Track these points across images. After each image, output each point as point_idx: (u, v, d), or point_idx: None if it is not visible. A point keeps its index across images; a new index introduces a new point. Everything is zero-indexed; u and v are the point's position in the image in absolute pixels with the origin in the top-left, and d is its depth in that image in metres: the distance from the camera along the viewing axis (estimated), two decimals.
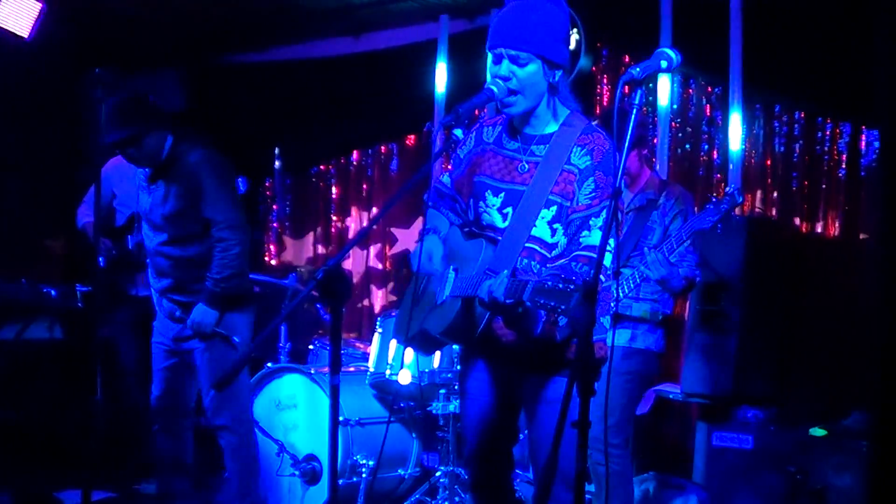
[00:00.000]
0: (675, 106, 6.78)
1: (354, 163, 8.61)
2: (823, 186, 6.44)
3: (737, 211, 5.26)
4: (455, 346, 5.32)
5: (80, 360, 6.79)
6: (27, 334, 6.83)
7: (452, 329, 3.63)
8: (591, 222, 3.54)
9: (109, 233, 6.53)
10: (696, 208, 5.17)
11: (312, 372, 5.96)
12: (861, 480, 5.18)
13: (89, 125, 5.55)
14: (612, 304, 4.17)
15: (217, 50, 8.57)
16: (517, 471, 5.64)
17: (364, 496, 5.76)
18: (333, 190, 8.71)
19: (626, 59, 7.06)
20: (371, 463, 5.82)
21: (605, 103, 7.08)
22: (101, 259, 6.45)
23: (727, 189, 4.87)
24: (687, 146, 6.85)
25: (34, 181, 7.89)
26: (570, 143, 3.59)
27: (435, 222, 3.91)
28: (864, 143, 6.26)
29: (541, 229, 3.58)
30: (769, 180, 6.61)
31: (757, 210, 6.54)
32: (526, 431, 3.89)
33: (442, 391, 5.83)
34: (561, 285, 3.14)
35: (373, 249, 8.47)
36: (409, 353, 5.76)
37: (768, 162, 6.61)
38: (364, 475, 5.79)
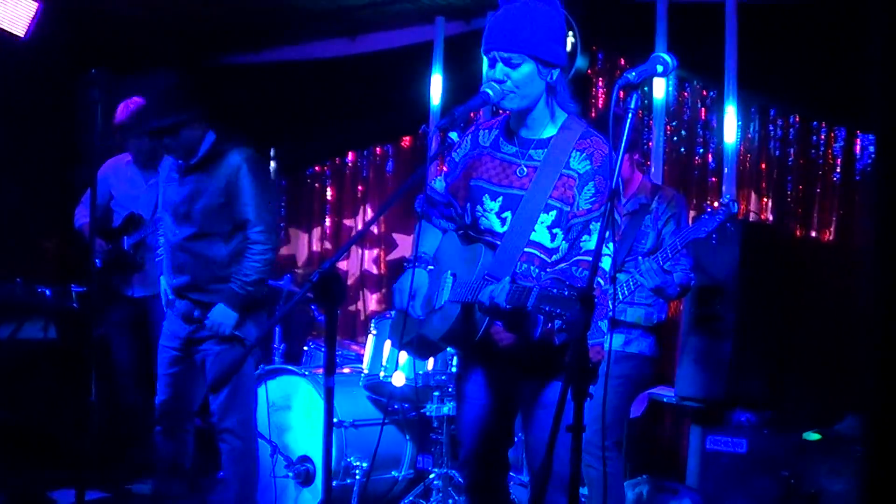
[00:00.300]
0: (670, 109, 6.79)
1: (350, 164, 8.60)
2: (818, 190, 6.45)
3: None
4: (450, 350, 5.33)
5: (75, 360, 6.78)
6: (21, 334, 6.82)
7: (451, 334, 3.63)
8: (591, 227, 3.54)
9: (106, 233, 6.52)
10: (689, 211, 5.18)
11: (306, 373, 5.95)
12: (854, 485, 5.19)
13: (85, 125, 5.54)
14: (609, 309, 4.16)
15: (213, 51, 8.57)
16: (512, 473, 5.65)
17: (357, 498, 5.75)
18: (328, 191, 8.70)
19: (622, 63, 7.07)
20: (365, 465, 5.81)
21: (600, 106, 7.08)
22: (97, 260, 6.45)
23: (722, 199, 4.89)
24: (682, 149, 6.85)
25: (30, 181, 7.87)
26: (568, 148, 3.59)
27: (425, 241, 3.91)
28: (858, 148, 6.28)
29: (540, 234, 3.58)
30: (764, 184, 6.62)
31: (751, 214, 6.55)
32: (521, 435, 3.90)
33: (436, 393, 5.83)
34: (566, 292, 3.14)
35: (368, 254, 8.45)
36: (404, 356, 5.76)
37: (763, 166, 6.62)
38: (358, 477, 5.78)
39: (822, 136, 6.42)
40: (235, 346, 5.18)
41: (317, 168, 8.75)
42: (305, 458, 5.84)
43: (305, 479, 5.80)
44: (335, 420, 5.68)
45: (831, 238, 6.37)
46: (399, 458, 6.20)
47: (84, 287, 6.89)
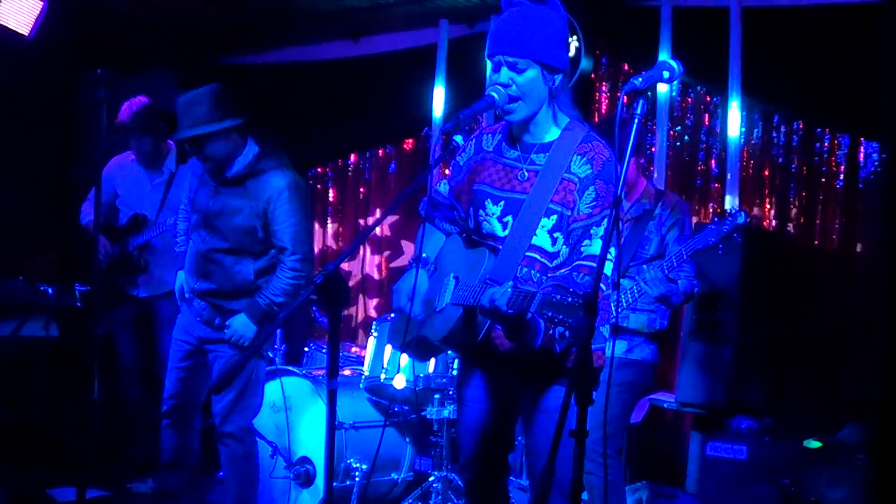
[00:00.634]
0: (674, 114, 6.79)
1: (352, 166, 8.60)
2: (821, 198, 6.45)
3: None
4: (450, 353, 5.32)
5: (76, 358, 6.78)
6: (23, 332, 6.81)
7: (452, 336, 3.63)
8: (592, 231, 3.53)
9: (111, 232, 6.52)
10: (692, 217, 5.18)
11: (307, 374, 5.96)
12: (854, 493, 5.18)
13: (89, 124, 5.56)
14: (612, 314, 4.17)
15: (216, 51, 8.57)
16: (512, 477, 5.65)
17: (357, 499, 5.75)
18: (330, 192, 8.71)
19: (626, 67, 7.07)
20: (364, 466, 5.82)
21: (603, 111, 7.08)
22: (101, 259, 6.45)
23: (729, 209, 4.86)
24: (686, 156, 6.85)
25: (32, 179, 7.88)
26: (570, 152, 3.59)
27: (428, 244, 3.92)
28: (862, 155, 6.26)
29: (541, 238, 3.58)
30: (767, 190, 6.62)
31: (753, 220, 6.54)
32: (522, 439, 3.89)
33: (436, 396, 5.83)
34: (570, 299, 3.14)
35: (373, 257, 8.43)
36: (405, 358, 5.77)
37: (766, 172, 6.62)
38: (357, 479, 5.79)
39: (826, 144, 6.42)
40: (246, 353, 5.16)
41: (319, 169, 8.75)
42: (305, 459, 5.84)
43: (305, 480, 5.80)
44: (335, 422, 5.68)
45: (834, 245, 6.37)
46: (399, 461, 6.20)
47: (86, 286, 6.89)
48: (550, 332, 3.36)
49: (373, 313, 8.30)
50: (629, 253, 5.04)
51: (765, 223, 6.57)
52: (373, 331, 6.18)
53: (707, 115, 6.82)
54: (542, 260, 3.59)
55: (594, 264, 3.45)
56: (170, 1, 7.48)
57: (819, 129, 6.43)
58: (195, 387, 5.38)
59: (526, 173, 3.66)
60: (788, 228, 6.54)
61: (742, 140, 6.45)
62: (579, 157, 3.57)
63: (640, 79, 3.11)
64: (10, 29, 6.68)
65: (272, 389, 6.02)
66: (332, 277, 3.12)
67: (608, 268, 3.48)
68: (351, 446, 5.86)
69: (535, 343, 3.44)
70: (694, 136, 6.84)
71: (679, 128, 6.86)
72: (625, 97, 3.12)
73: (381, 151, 8.44)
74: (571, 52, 6.29)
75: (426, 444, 6.17)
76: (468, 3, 7.22)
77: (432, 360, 5.78)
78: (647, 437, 6.43)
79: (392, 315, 5.54)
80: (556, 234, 3.58)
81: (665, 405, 6.11)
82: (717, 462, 5.68)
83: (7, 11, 6.64)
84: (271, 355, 5.31)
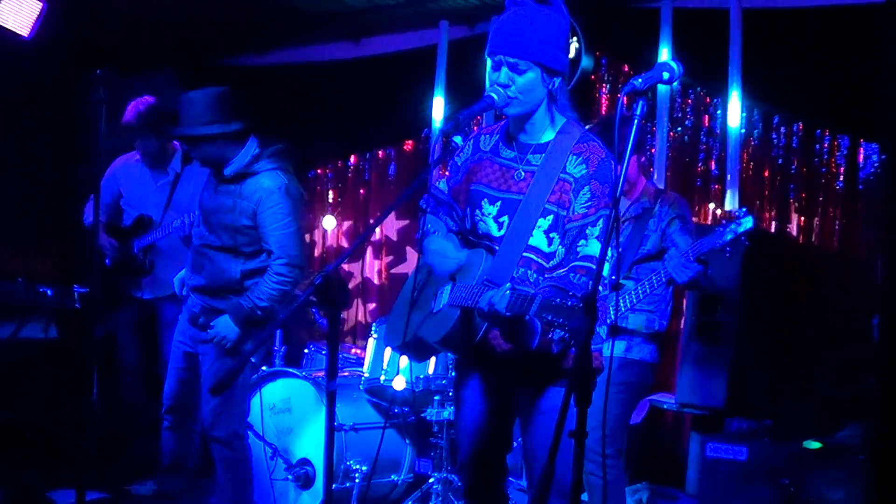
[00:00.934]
0: (674, 115, 6.78)
1: (352, 167, 8.60)
2: (821, 199, 6.44)
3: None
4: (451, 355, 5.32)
5: (75, 359, 6.77)
6: (22, 334, 6.81)
7: (449, 338, 3.62)
8: (587, 231, 3.53)
9: (115, 231, 6.51)
10: (691, 213, 5.18)
11: (307, 376, 5.95)
12: (854, 494, 5.18)
13: (89, 125, 5.55)
14: (610, 315, 4.15)
15: (216, 52, 8.56)
16: (511, 478, 5.64)
17: (357, 501, 5.75)
18: (330, 194, 8.70)
19: (626, 69, 7.06)
20: (364, 468, 5.81)
21: (603, 112, 7.08)
22: (106, 259, 6.45)
23: (737, 213, 4.84)
24: (685, 157, 6.85)
25: (32, 180, 7.88)
26: (565, 152, 3.59)
27: (435, 226, 3.91)
28: (862, 156, 6.26)
29: (538, 238, 3.58)
30: (767, 192, 6.61)
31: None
32: (520, 440, 3.89)
33: (436, 397, 5.83)
34: (569, 302, 3.14)
35: (376, 262, 8.43)
36: (404, 359, 5.76)
37: (766, 173, 6.61)
38: (357, 480, 5.78)
39: (826, 145, 6.41)
40: (231, 356, 5.13)
41: (319, 170, 8.74)
42: (305, 461, 5.84)
43: (305, 482, 5.80)
44: (335, 423, 5.68)
45: (834, 246, 6.37)
46: (399, 462, 6.20)
47: (86, 287, 6.88)
48: (549, 334, 3.36)
49: (366, 318, 8.29)
50: (632, 252, 5.03)
51: (764, 225, 6.57)
52: (372, 332, 6.18)
53: (707, 116, 6.81)
54: (539, 260, 3.59)
55: (591, 265, 3.45)
56: (170, 1, 7.47)
57: (819, 131, 6.42)
58: (194, 388, 5.38)
59: (522, 173, 3.66)
60: (788, 230, 6.53)
61: (742, 130, 6.45)
62: (575, 157, 3.57)
63: (640, 80, 3.11)
64: (9, 30, 6.68)
65: (272, 391, 6.03)
66: (332, 279, 3.12)
67: (605, 268, 3.48)
68: (351, 448, 5.86)
69: (532, 345, 3.44)
70: (694, 136, 6.84)
71: (679, 129, 6.85)
72: (625, 98, 3.12)
73: (380, 152, 8.43)
74: (571, 54, 6.29)
75: (426, 445, 6.16)
76: (468, 4, 7.22)
77: (432, 362, 5.79)
78: (647, 438, 6.43)
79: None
80: (552, 235, 3.58)
81: (665, 406, 6.11)
82: (717, 463, 5.67)
83: (6, 12, 6.64)
84: (254, 360, 5.27)
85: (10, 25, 6.67)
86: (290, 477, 5.83)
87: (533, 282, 3.56)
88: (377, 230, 8.27)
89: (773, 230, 6.57)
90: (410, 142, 8.22)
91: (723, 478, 5.65)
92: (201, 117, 5.08)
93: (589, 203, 3.54)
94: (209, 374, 5.18)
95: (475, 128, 3.90)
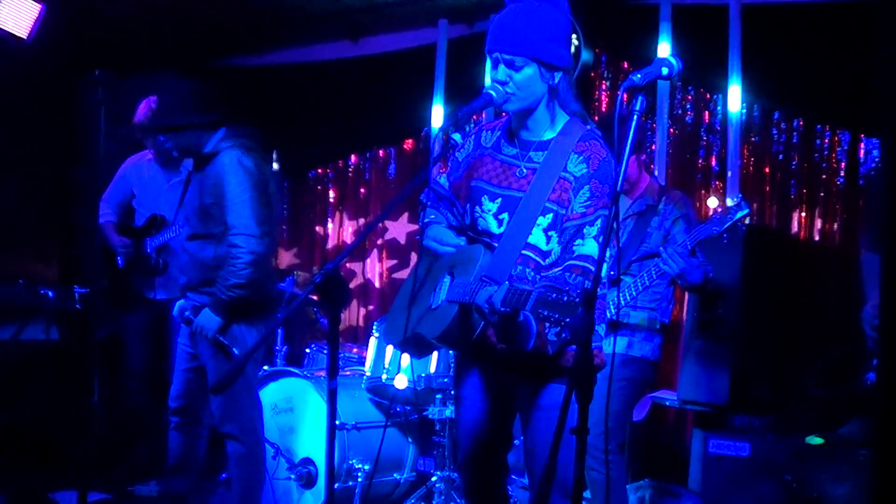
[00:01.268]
0: (674, 111, 6.78)
1: (352, 166, 8.60)
2: (822, 194, 6.44)
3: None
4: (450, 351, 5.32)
5: (77, 361, 6.77)
6: (24, 335, 6.81)
7: (448, 334, 3.61)
8: (584, 231, 3.52)
9: (128, 231, 6.50)
10: (695, 212, 5.18)
11: (309, 375, 5.95)
12: (857, 490, 5.17)
13: (88, 126, 5.52)
14: (609, 312, 4.15)
15: (216, 52, 8.56)
16: (512, 476, 5.64)
17: (360, 500, 5.75)
18: (331, 193, 8.70)
19: (625, 66, 7.06)
20: (366, 467, 5.81)
21: (603, 109, 7.08)
22: (119, 259, 6.44)
23: (734, 199, 4.84)
24: (686, 153, 6.85)
25: (32, 181, 7.87)
26: (567, 151, 3.58)
27: (438, 217, 3.91)
28: (862, 152, 6.27)
29: (536, 236, 3.57)
30: (767, 188, 6.61)
31: (754, 217, 6.54)
32: (521, 437, 3.88)
33: (438, 396, 5.83)
34: (565, 297, 3.13)
35: (379, 264, 8.42)
36: (406, 358, 5.76)
37: (767, 169, 6.61)
38: (360, 479, 5.78)
39: (826, 140, 6.42)
40: (223, 352, 5.11)
41: (319, 170, 8.75)
42: (307, 461, 5.83)
43: (307, 482, 5.80)
44: (337, 422, 5.67)
45: (834, 242, 6.36)
46: (401, 461, 6.20)
47: (87, 288, 6.88)
48: (546, 332, 3.35)
49: (364, 321, 8.28)
50: (634, 248, 5.03)
51: (766, 220, 6.56)
52: (374, 331, 6.18)
53: (707, 112, 6.81)
54: (537, 258, 3.58)
55: (586, 264, 3.44)
56: (170, 2, 7.47)
57: (819, 126, 6.43)
58: (199, 391, 5.37)
59: (524, 170, 3.65)
60: (789, 225, 6.53)
61: (743, 118, 6.44)
62: (576, 155, 3.56)
63: (639, 75, 3.11)
64: (7, 32, 6.67)
65: (274, 391, 6.02)
66: (332, 277, 3.11)
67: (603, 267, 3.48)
68: (353, 447, 5.85)
69: (528, 345, 3.43)
70: (694, 133, 6.84)
71: (679, 125, 6.85)
72: (624, 94, 3.11)
73: (381, 152, 8.43)
74: (571, 50, 6.28)
75: (428, 444, 6.16)
76: (467, 2, 7.22)
77: (434, 360, 5.78)
78: (649, 434, 6.42)
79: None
80: (550, 233, 3.57)
81: (667, 403, 6.11)
82: (720, 459, 5.67)
83: (5, 15, 6.63)
84: (236, 352, 5.27)
85: (9, 28, 6.67)
86: (292, 476, 5.83)
87: (531, 280, 3.55)
88: (386, 231, 8.29)
89: (773, 226, 6.56)
90: (410, 140, 8.22)
91: (725, 474, 5.65)
92: (181, 108, 5.15)
93: (588, 202, 3.53)
94: (210, 370, 5.19)
95: (475, 126, 3.88)
